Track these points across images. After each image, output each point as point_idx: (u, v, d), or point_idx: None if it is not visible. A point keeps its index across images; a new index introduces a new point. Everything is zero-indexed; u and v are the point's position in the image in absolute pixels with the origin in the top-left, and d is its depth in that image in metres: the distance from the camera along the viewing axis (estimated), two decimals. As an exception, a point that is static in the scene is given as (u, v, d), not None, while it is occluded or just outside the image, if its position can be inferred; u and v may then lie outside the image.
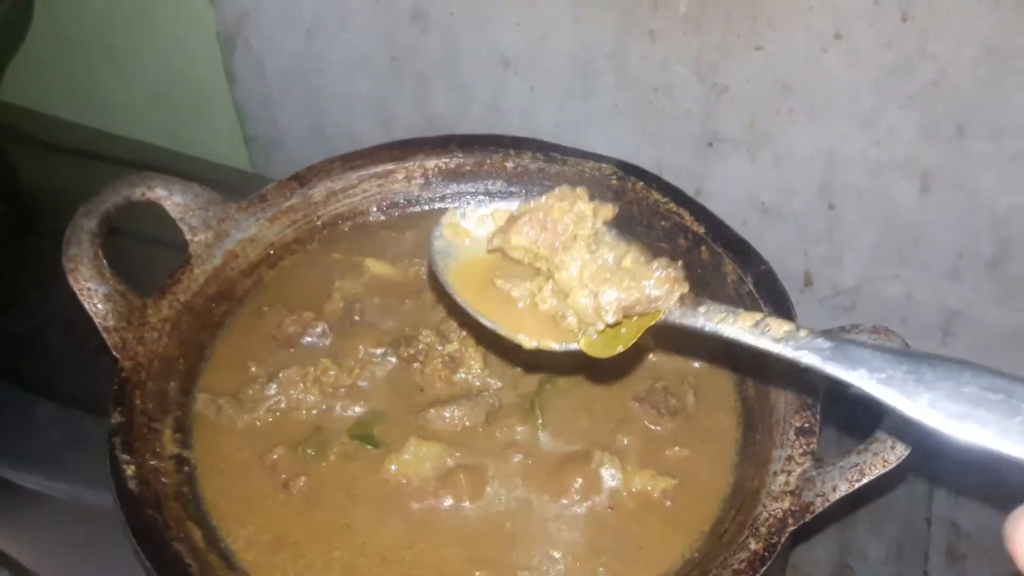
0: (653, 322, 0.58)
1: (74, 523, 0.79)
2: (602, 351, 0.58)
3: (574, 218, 0.60)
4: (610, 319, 0.57)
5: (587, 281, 0.58)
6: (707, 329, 0.55)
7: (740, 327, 0.53)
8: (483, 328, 0.60)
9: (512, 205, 0.63)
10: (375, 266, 0.80)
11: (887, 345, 0.51)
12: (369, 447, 0.67)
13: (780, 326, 0.51)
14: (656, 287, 0.57)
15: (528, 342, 0.59)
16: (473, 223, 0.65)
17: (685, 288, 0.57)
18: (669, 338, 0.73)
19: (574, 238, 0.60)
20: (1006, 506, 0.92)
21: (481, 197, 0.86)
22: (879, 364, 0.45)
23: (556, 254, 0.59)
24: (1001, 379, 0.41)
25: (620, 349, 0.58)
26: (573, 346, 0.59)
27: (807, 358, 0.48)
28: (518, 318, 0.60)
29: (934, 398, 0.42)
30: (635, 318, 0.58)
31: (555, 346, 0.59)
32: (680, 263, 0.58)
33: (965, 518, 0.91)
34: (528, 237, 0.60)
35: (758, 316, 0.53)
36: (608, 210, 0.61)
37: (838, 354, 0.47)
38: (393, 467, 0.65)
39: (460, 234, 0.65)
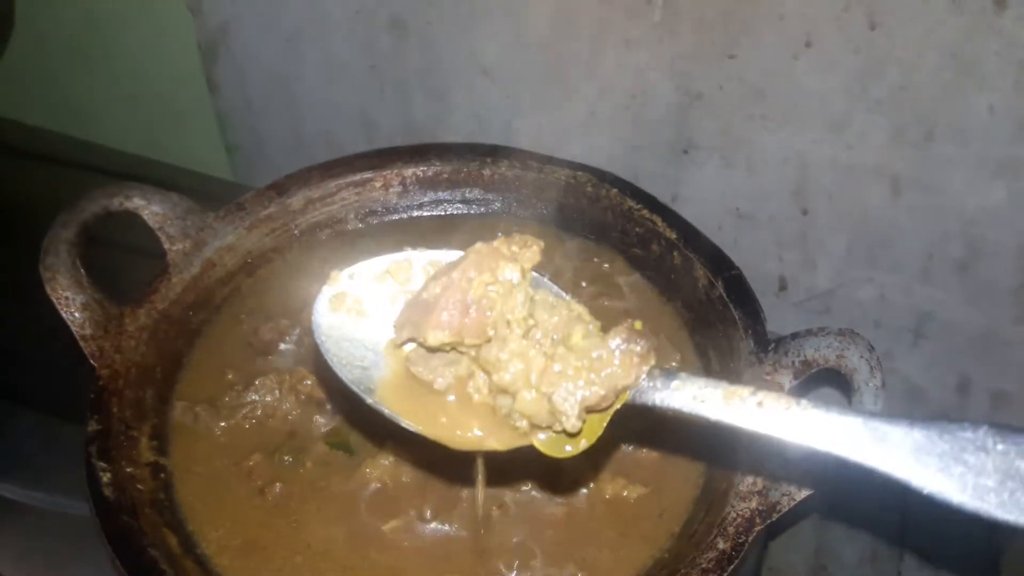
0: (619, 406, 0.48)
1: (52, 532, 0.80)
2: (561, 449, 0.49)
3: (500, 290, 0.48)
4: (572, 425, 0.46)
5: (535, 382, 0.47)
6: (685, 411, 0.46)
7: (726, 405, 0.44)
8: (403, 431, 0.50)
9: (416, 257, 0.53)
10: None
11: (919, 419, 0.42)
12: (344, 454, 0.67)
13: (778, 401, 0.44)
14: (623, 375, 0.46)
15: (466, 445, 0.49)
16: (366, 287, 0.54)
17: (652, 361, 0.47)
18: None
19: (507, 323, 0.48)
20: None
21: (458, 205, 0.86)
22: (919, 443, 0.40)
23: (488, 345, 0.48)
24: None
25: (584, 445, 0.48)
26: (522, 443, 0.49)
27: (828, 444, 0.42)
28: (449, 415, 0.50)
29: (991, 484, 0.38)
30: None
31: (501, 448, 0.49)
32: (640, 326, 0.48)
33: (939, 521, 0.92)
34: (450, 329, 0.48)
35: (747, 389, 0.45)
36: (533, 252, 0.50)
37: (867, 438, 0.41)
38: (368, 471, 0.65)
39: (352, 307, 0.53)
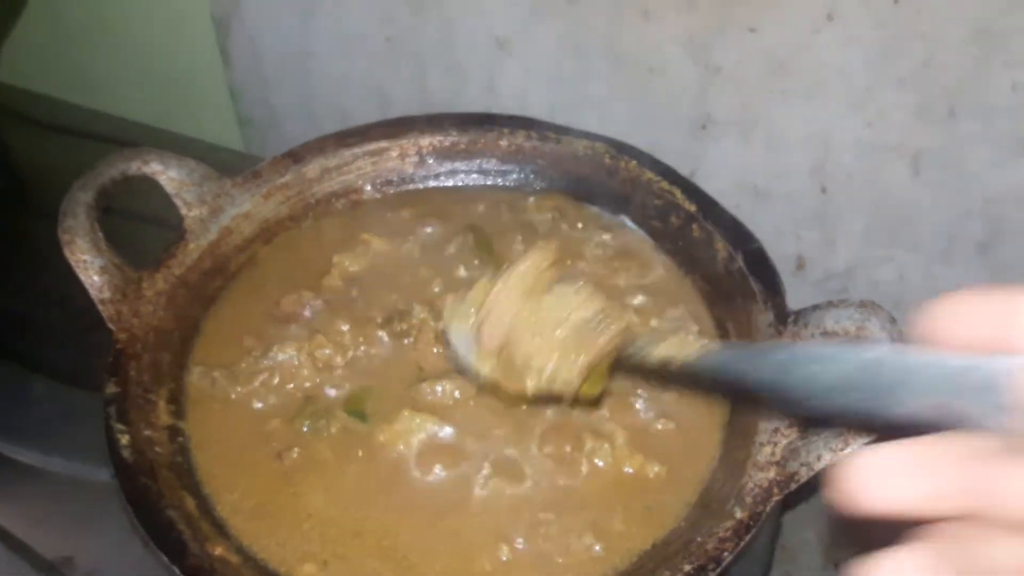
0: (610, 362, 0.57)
1: (70, 497, 0.80)
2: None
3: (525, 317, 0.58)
4: (575, 388, 0.57)
5: (547, 369, 0.58)
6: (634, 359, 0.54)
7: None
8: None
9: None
10: (373, 242, 0.81)
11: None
12: (360, 421, 0.67)
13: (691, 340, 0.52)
14: (605, 342, 0.56)
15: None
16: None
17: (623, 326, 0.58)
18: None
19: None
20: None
21: (475, 175, 0.86)
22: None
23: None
24: None
25: (599, 390, 0.59)
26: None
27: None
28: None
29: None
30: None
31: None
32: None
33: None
34: (491, 352, 0.59)
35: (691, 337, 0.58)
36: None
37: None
38: (382, 438, 0.65)
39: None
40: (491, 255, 0.78)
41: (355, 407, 0.69)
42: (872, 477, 0.30)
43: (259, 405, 0.68)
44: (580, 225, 0.81)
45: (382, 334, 0.73)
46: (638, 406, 0.68)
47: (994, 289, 0.31)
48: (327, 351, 0.71)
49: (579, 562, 0.60)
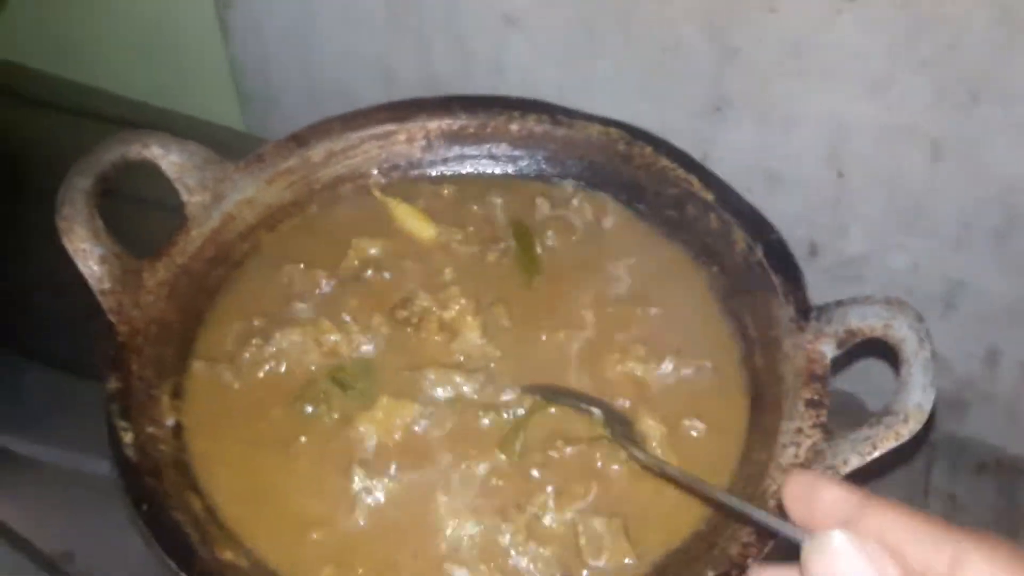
0: None
1: (67, 489, 0.79)
2: None
3: None
4: None
5: None
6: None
7: None
8: None
9: None
10: (390, 228, 0.78)
11: None
12: (341, 389, 0.66)
13: None
14: None
15: None
16: None
17: None
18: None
19: None
20: (1001, 480, 0.92)
21: (485, 160, 0.83)
22: None
23: None
24: None
25: None
26: None
27: None
28: None
29: None
30: None
31: None
32: None
33: (962, 491, 0.92)
34: None
35: None
36: None
37: None
38: (361, 428, 0.64)
39: None
40: (531, 252, 0.76)
41: (343, 375, 0.67)
42: None
43: (263, 395, 0.66)
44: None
45: (391, 321, 0.71)
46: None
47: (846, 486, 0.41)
48: (333, 337, 0.69)
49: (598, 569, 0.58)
